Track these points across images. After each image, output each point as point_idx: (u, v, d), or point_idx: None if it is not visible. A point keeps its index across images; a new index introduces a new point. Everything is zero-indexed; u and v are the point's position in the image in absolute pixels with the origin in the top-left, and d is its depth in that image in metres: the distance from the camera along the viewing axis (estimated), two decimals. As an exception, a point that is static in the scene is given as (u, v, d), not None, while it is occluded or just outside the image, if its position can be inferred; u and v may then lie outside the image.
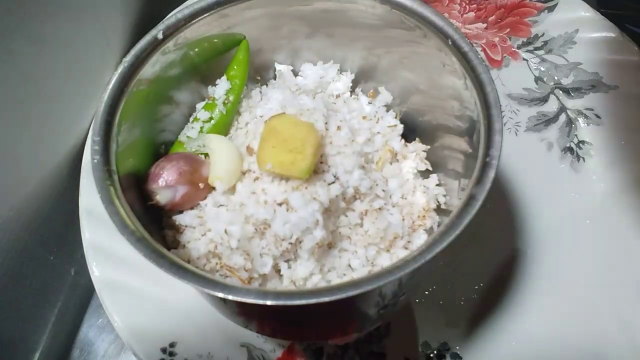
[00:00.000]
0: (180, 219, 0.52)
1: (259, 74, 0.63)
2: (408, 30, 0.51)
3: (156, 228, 0.53)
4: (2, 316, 0.55)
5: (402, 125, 0.59)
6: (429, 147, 0.57)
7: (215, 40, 0.56)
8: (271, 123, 0.47)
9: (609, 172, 0.68)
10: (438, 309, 0.62)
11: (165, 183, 0.50)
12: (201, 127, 0.56)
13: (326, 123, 0.51)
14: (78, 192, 0.62)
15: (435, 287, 0.63)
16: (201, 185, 0.52)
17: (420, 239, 0.53)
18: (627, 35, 0.71)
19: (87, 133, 0.66)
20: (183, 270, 0.39)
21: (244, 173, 0.51)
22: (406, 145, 0.58)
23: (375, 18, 0.53)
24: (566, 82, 0.74)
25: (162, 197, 0.50)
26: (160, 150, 0.57)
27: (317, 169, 0.48)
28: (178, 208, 0.52)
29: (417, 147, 0.57)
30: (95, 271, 0.59)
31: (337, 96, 0.60)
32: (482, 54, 0.77)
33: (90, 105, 0.65)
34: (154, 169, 0.52)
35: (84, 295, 0.70)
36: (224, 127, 0.57)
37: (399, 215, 0.53)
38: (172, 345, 0.57)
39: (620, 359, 0.58)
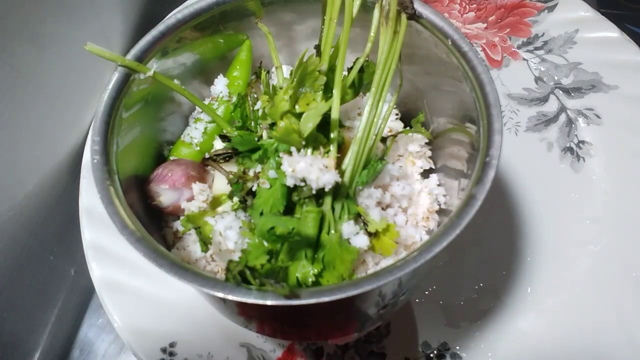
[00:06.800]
0: (178, 224, 0.52)
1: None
2: (408, 30, 0.51)
3: (156, 228, 0.53)
4: (2, 316, 0.55)
5: (401, 124, 0.59)
6: (430, 132, 0.57)
7: (217, 40, 0.56)
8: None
9: (609, 172, 0.68)
10: (438, 309, 0.62)
11: (172, 185, 0.50)
12: (205, 128, 0.56)
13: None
14: (78, 192, 0.62)
15: (435, 287, 0.63)
16: None
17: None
18: (627, 35, 0.71)
19: (87, 133, 0.66)
20: (183, 270, 0.39)
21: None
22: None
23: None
24: (566, 82, 0.74)
25: (166, 198, 0.50)
26: (160, 150, 0.57)
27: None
28: (179, 212, 0.52)
29: (419, 138, 0.57)
30: (95, 271, 0.59)
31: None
32: (482, 54, 0.77)
33: (90, 105, 0.65)
34: (162, 170, 0.51)
35: (84, 295, 0.70)
36: (227, 127, 0.57)
37: (403, 217, 0.53)
38: (172, 345, 0.57)
39: (620, 358, 0.58)
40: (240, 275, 0.39)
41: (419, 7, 0.48)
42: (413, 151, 0.57)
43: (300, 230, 0.43)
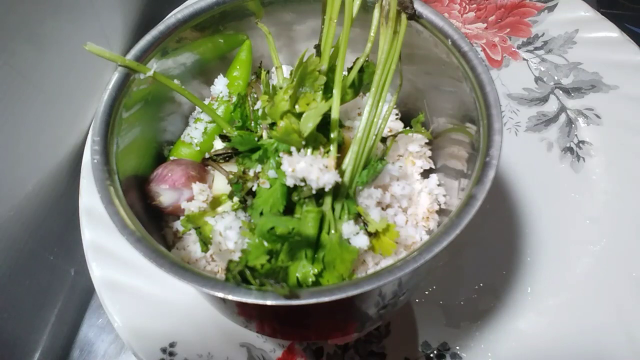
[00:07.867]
0: (178, 224, 0.52)
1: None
2: (408, 30, 0.51)
3: (156, 228, 0.53)
4: (2, 316, 0.55)
5: (401, 124, 0.59)
6: (430, 132, 0.57)
7: (218, 40, 0.56)
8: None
9: (609, 172, 0.68)
10: (438, 309, 0.62)
11: (172, 185, 0.50)
12: (205, 128, 0.56)
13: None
14: (78, 192, 0.62)
15: (435, 287, 0.63)
16: None
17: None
18: (627, 35, 0.71)
19: (87, 133, 0.66)
20: (183, 270, 0.39)
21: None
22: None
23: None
24: (566, 82, 0.74)
25: (166, 198, 0.50)
26: (160, 150, 0.57)
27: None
28: (179, 212, 0.52)
29: (419, 138, 0.57)
30: (95, 271, 0.59)
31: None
32: (482, 54, 0.77)
33: (90, 105, 0.65)
34: (162, 170, 0.51)
35: (84, 295, 0.70)
36: (227, 127, 0.57)
37: (403, 217, 0.53)
38: (172, 345, 0.57)
39: (620, 358, 0.58)
40: (240, 275, 0.39)
41: (419, 7, 0.48)
42: (413, 151, 0.57)
43: (300, 230, 0.43)
